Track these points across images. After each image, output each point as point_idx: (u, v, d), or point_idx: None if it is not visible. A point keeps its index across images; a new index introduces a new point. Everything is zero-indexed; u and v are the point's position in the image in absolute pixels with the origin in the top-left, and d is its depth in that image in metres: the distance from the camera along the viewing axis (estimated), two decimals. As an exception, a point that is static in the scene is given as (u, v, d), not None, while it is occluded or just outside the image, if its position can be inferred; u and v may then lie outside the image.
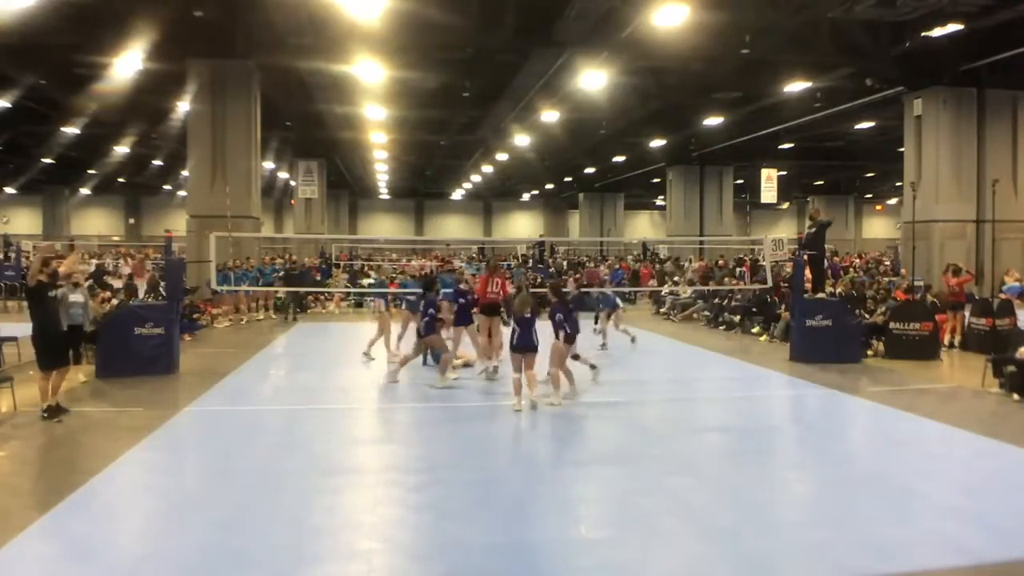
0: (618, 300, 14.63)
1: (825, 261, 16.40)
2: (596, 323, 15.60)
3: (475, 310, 11.61)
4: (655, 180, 42.56)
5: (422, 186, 55.32)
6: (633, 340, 14.45)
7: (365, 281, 20.64)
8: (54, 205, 49.20)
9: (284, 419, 9.23)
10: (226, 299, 18.97)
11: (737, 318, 17.33)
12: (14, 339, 12.29)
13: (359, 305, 20.13)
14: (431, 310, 10.64)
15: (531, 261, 30.41)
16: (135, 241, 48.63)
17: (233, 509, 6.04)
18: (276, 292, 19.89)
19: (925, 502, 6.30)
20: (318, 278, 24.19)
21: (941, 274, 16.27)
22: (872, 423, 9.35)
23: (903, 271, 19.09)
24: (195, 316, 16.80)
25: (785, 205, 56.94)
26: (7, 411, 9.03)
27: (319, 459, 7.37)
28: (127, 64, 18.15)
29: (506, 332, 10.06)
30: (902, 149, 20.27)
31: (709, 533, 5.62)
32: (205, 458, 7.61)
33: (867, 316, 14.06)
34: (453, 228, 60.68)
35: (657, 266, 29.55)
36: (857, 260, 33.57)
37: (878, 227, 59.73)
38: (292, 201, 38.81)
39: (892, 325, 13.30)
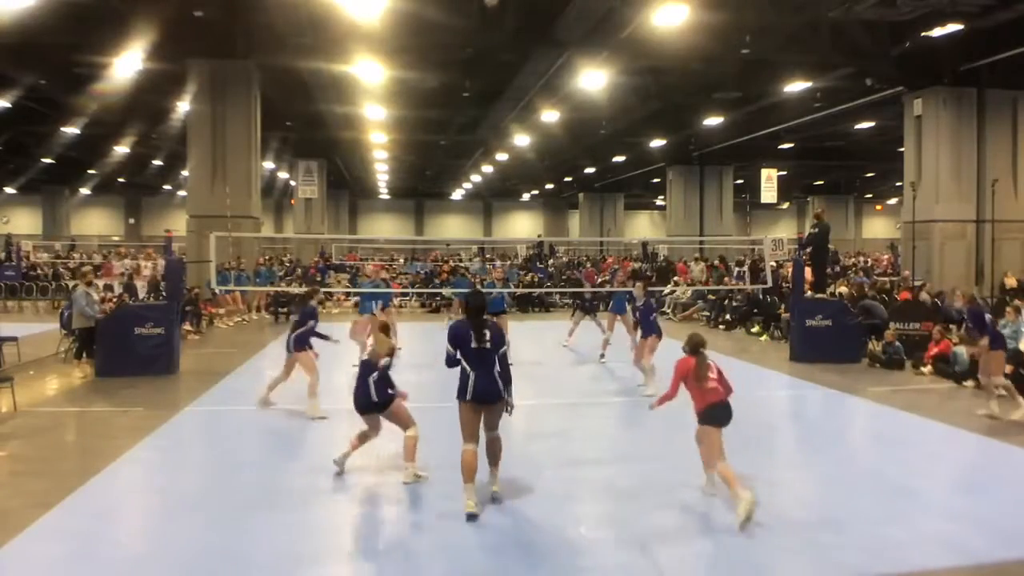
0: (627, 304, 14.04)
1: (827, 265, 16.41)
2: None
3: None
4: (655, 180, 42.52)
5: (422, 186, 55.30)
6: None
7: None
8: (54, 205, 49.13)
9: (284, 419, 9.23)
10: (225, 299, 18.98)
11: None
12: (14, 339, 12.31)
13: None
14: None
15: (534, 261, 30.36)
16: (135, 241, 48.59)
17: (233, 509, 6.04)
18: (269, 293, 19.91)
19: (925, 502, 6.31)
20: (318, 279, 24.21)
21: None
22: (872, 423, 9.35)
23: (905, 272, 19.08)
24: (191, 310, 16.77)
25: (785, 205, 56.89)
26: (7, 411, 9.03)
27: (319, 459, 7.37)
28: (127, 64, 18.11)
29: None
30: (902, 149, 20.26)
31: (709, 533, 5.62)
32: (205, 458, 7.61)
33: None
34: (453, 228, 60.63)
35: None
36: (861, 260, 33.61)
37: (878, 227, 59.69)
38: (292, 201, 38.80)
39: (893, 325, 13.28)
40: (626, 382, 11.73)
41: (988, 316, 9.38)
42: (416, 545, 5.42)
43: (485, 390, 5.85)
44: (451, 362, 5.98)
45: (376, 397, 6.56)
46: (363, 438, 6.86)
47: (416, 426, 6.70)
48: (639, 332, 10.76)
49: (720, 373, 6.36)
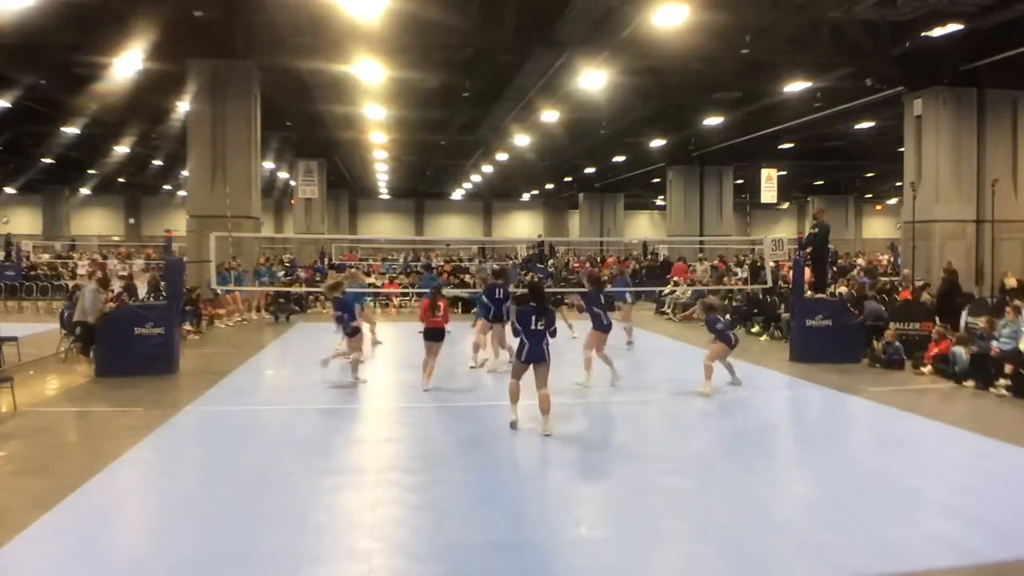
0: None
1: (827, 265, 16.38)
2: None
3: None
4: (655, 180, 42.53)
5: (422, 186, 55.31)
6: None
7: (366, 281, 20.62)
8: (54, 205, 49.16)
9: (284, 419, 9.23)
10: (226, 299, 18.98)
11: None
12: (14, 339, 12.31)
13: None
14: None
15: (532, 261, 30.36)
16: (135, 241, 48.61)
17: (233, 509, 6.04)
18: (268, 293, 19.90)
19: (925, 502, 6.30)
20: (317, 279, 24.19)
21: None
22: (872, 423, 9.35)
23: (906, 271, 19.07)
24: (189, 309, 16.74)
25: (785, 205, 56.93)
26: (7, 411, 9.03)
27: (319, 459, 7.37)
28: (127, 64, 18.12)
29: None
30: (902, 149, 20.25)
31: (709, 533, 5.62)
32: (205, 458, 7.61)
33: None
34: (453, 228, 60.66)
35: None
36: (860, 260, 33.60)
37: (878, 227, 59.71)
38: (292, 201, 38.81)
39: (893, 325, 13.27)
40: (626, 382, 11.73)
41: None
42: (416, 545, 5.42)
43: (534, 354, 8.14)
44: (516, 333, 8.40)
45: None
46: None
47: None
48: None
49: (446, 311, 10.46)
